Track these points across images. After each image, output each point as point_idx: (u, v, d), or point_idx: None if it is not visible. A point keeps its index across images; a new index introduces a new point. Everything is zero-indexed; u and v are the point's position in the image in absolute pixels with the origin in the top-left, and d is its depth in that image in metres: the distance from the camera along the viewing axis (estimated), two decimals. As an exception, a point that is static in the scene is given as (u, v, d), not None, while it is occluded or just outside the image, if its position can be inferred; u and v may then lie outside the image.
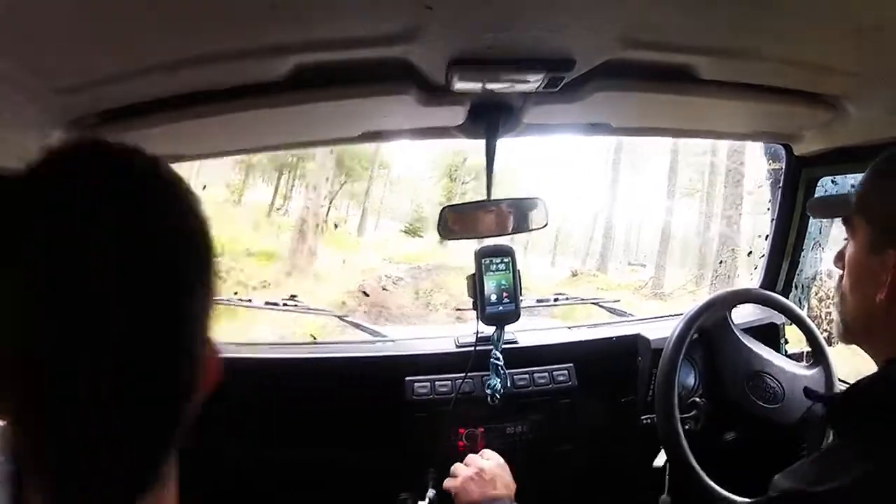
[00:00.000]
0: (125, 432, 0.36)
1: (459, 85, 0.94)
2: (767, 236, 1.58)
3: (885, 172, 0.71)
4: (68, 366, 0.34)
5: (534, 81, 0.94)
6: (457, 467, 1.11)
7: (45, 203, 0.36)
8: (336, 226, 14.10)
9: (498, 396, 1.31)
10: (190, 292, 0.39)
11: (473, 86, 0.95)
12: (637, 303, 11.03)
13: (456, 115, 1.15)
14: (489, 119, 1.16)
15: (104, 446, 0.36)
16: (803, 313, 1.39)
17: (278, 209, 15.66)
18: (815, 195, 1.46)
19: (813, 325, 1.35)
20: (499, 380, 1.31)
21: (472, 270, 1.29)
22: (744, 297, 1.46)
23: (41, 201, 0.36)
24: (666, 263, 13.67)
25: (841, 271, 0.75)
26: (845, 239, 0.75)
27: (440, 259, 12.48)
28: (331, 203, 13.86)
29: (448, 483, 1.09)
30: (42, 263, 0.34)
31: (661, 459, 1.31)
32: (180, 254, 0.39)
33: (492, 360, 1.31)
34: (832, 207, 0.89)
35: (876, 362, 0.70)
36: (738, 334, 1.32)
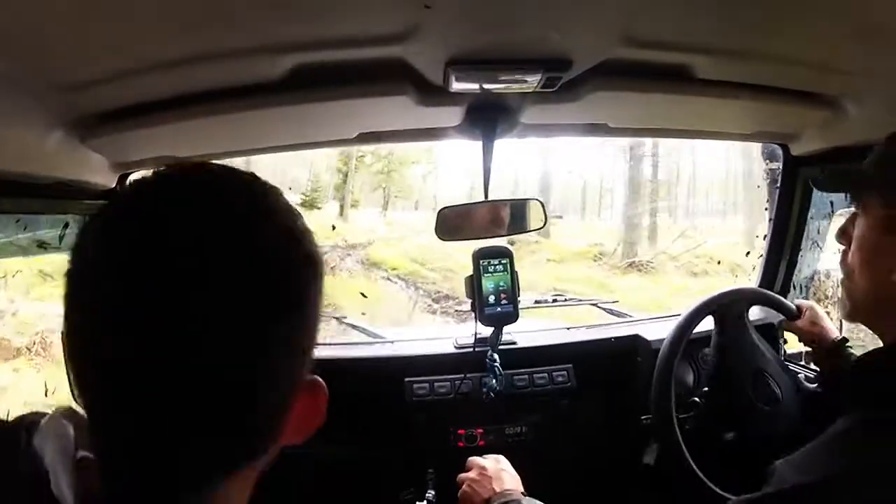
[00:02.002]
0: (182, 450, 0.37)
1: (457, 85, 0.94)
2: (765, 236, 1.58)
3: None
4: (145, 375, 0.35)
5: (531, 81, 0.94)
6: (461, 476, 1.08)
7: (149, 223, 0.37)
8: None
9: (493, 395, 1.31)
10: (279, 319, 0.38)
11: (471, 86, 0.96)
12: (612, 280, 8.62)
13: (453, 115, 1.15)
14: (487, 119, 1.16)
15: (162, 456, 0.37)
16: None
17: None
18: (814, 194, 1.46)
19: None
20: (495, 380, 1.31)
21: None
22: (742, 295, 1.46)
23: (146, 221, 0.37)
24: (639, 221, 10.47)
25: (844, 246, 0.72)
26: (853, 212, 0.71)
27: (338, 234, 10.06)
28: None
29: (460, 493, 1.05)
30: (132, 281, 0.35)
31: (650, 456, 1.32)
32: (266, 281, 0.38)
33: (488, 360, 1.31)
34: (842, 182, 0.85)
35: (883, 341, 0.67)
36: (751, 330, 1.32)
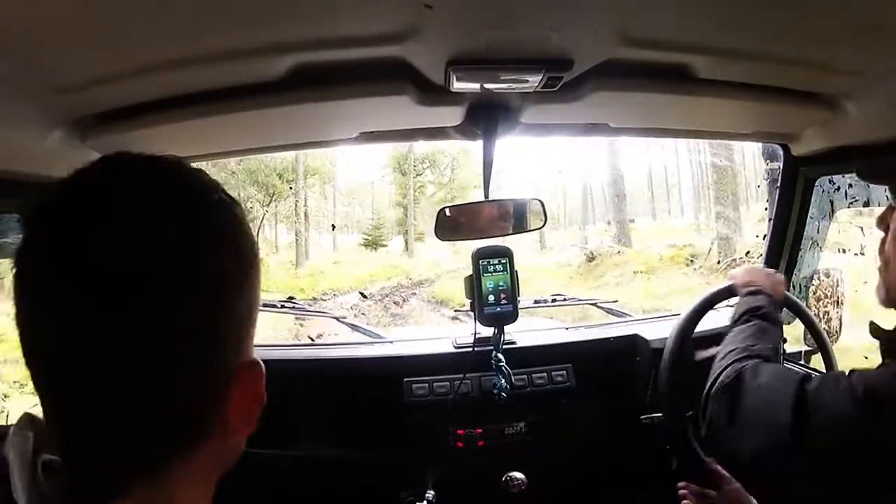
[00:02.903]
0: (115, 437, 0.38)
1: (458, 85, 0.94)
2: (765, 236, 1.58)
3: None
4: (71, 369, 0.37)
5: (532, 82, 0.94)
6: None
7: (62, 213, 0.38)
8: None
9: (504, 395, 1.30)
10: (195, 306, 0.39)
11: (472, 86, 0.95)
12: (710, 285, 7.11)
13: (454, 115, 1.15)
14: (487, 119, 1.16)
15: (97, 448, 0.38)
16: (804, 305, 1.38)
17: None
18: (814, 194, 1.46)
19: (815, 320, 1.35)
20: (504, 379, 1.31)
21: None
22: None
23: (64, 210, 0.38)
24: (737, 217, 9.13)
25: (883, 234, 0.72)
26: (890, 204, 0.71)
27: (403, 271, 9.58)
28: (257, 233, 11.89)
29: None
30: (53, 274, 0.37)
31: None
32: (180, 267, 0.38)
33: (493, 361, 1.31)
34: (886, 174, 0.86)
35: None
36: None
